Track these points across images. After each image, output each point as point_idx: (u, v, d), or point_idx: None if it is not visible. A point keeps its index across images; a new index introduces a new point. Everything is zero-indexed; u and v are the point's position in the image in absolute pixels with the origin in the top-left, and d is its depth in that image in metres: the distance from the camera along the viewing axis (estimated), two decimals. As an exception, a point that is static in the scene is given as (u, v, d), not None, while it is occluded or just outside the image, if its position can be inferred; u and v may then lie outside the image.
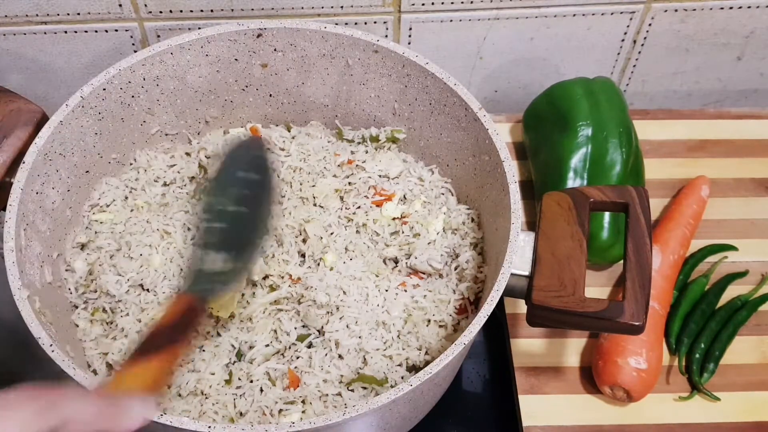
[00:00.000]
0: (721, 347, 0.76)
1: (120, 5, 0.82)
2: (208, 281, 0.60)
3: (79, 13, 0.83)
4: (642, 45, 0.93)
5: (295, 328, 0.68)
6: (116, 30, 0.85)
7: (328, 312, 0.68)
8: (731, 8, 0.89)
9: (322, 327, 0.68)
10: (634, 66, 0.96)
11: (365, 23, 0.86)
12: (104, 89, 0.71)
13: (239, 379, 0.66)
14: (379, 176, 0.77)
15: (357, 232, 0.74)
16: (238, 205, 0.64)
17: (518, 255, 0.63)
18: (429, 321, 0.70)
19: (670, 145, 0.92)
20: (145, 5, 0.83)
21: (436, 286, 0.72)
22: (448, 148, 0.76)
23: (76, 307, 0.70)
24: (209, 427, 0.53)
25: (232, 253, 0.62)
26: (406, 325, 0.69)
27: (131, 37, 0.86)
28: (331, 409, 0.65)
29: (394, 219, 0.74)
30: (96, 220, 0.74)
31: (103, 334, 0.69)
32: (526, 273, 0.63)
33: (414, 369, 0.68)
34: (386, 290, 0.70)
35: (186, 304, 0.57)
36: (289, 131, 0.81)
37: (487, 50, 0.92)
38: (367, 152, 0.79)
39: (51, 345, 0.57)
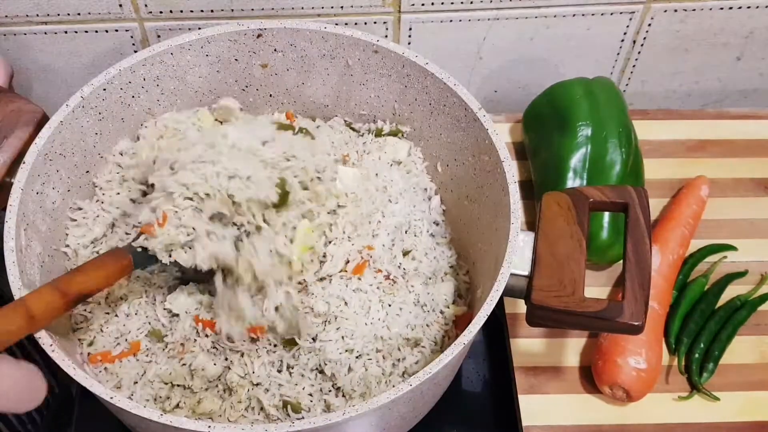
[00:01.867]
0: (721, 347, 0.76)
1: (120, 5, 0.82)
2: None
3: (79, 13, 0.83)
4: (642, 45, 0.93)
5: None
6: (116, 30, 0.85)
7: (325, 321, 0.68)
8: (731, 8, 0.89)
9: (317, 335, 0.67)
10: (634, 66, 0.96)
11: (365, 23, 0.86)
12: (104, 89, 0.71)
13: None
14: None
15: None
16: None
17: (518, 255, 0.63)
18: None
19: (670, 145, 0.92)
20: (146, 5, 0.83)
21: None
22: (448, 148, 0.76)
23: None
24: (209, 426, 0.53)
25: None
26: (408, 342, 0.69)
27: (131, 37, 0.86)
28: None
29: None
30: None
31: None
32: (526, 273, 0.63)
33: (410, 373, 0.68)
34: (389, 305, 0.70)
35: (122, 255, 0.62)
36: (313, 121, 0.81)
37: (487, 50, 0.92)
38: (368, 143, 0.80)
39: (51, 345, 0.57)
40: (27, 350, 0.83)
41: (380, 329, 0.68)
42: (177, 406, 0.66)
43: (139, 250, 0.63)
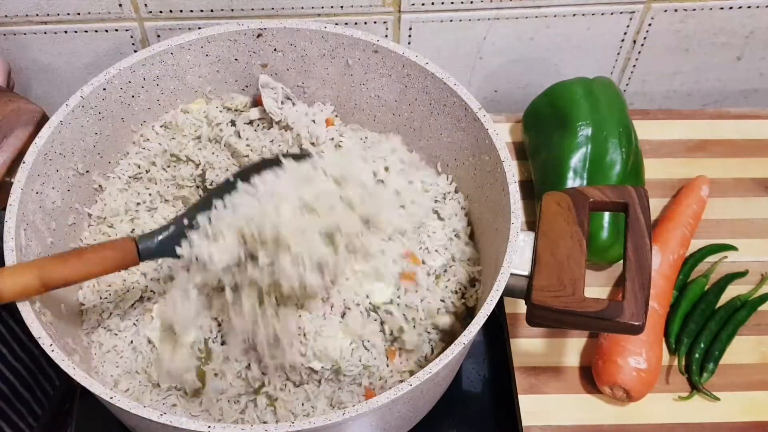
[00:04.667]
0: (721, 347, 0.76)
1: (120, 5, 0.82)
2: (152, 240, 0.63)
3: (79, 13, 0.83)
4: (642, 45, 0.93)
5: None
6: (116, 30, 0.85)
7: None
8: (731, 8, 0.89)
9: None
10: (634, 66, 0.96)
11: (365, 23, 0.86)
12: (104, 89, 0.71)
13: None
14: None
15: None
16: None
17: (518, 255, 0.63)
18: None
19: (670, 145, 0.92)
20: (145, 5, 0.83)
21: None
22: (448, 148, 0.76)
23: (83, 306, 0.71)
24: (209, 426, 0.53)
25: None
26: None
27: (131, 37, 0.86)
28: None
29: None
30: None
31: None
32: (526, 273, 0.63)
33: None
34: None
35: (126, 245, 0.62)
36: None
37: (487, 50, 0.92)
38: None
39: (51, 345, 0.57)
40: (27, 347, 0.83)
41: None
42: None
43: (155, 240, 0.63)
